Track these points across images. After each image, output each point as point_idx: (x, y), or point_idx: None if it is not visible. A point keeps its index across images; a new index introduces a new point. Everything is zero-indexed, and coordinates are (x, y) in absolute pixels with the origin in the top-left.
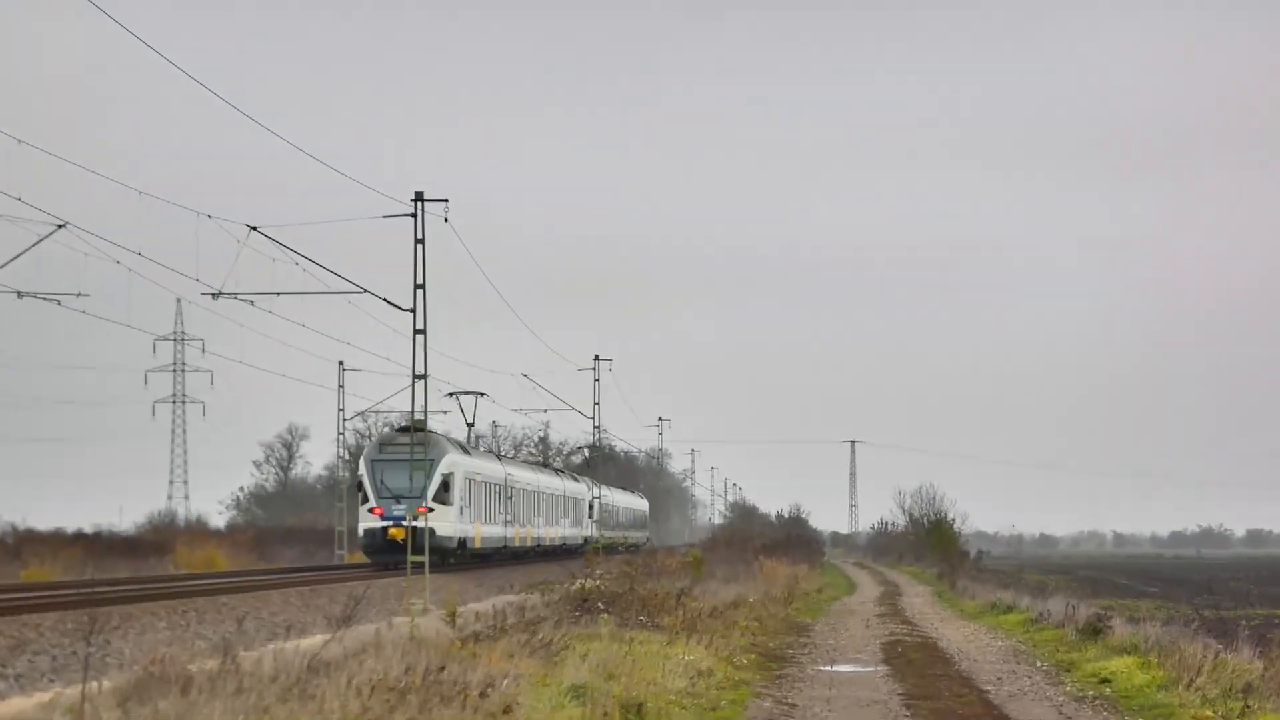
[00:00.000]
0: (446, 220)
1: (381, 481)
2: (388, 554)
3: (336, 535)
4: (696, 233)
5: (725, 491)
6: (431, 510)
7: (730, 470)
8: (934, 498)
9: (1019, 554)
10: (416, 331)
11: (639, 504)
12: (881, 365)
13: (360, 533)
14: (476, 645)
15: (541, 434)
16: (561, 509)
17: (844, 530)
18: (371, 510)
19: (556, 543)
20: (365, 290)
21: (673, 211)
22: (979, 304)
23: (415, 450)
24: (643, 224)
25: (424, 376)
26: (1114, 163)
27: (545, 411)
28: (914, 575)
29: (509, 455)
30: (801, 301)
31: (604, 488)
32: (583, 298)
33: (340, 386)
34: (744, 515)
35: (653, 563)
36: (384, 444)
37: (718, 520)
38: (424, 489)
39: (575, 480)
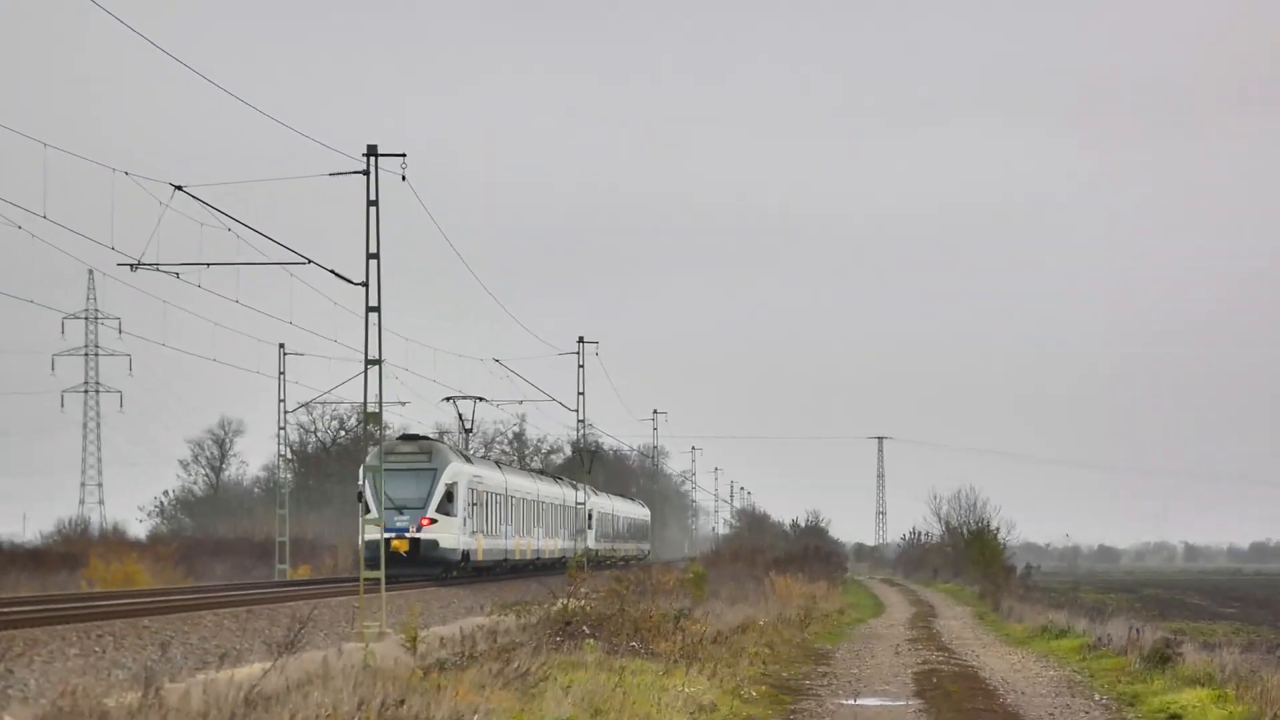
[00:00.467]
0: (404, 179)
1: (384, 492)
2: (390, 567)
3: (277, 547)
4: (697, 198)
5: (731, 497)
6: (435, 521)
7: (737, 472)
8: (975, 503)
9: (1074, 569)
10: (370, 309)
11: (640, 513)
12: (913, 350)
13: (360, 543)
14: (441, 675)
15: (516, 429)
16: (561, 519)
17: (870, 542)
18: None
19: (556, 555)
20: (310, 261)
21: (670, 173)
22: (1025, 280)
23: (416, 459)
24: (635, 187)
25: (379, 361)
26: (1178, 118)
27: (520, 403)
28: (951, 594)
29: (479, 454)
30: (819, 277)
31: (604, 495)
32: (564, 271)
33: (281, 373)
34: (753, 524)
35: (647, 579)
36: (385, 453)
37: (722, 530)
38: (427, 499)
39: (574, 488)
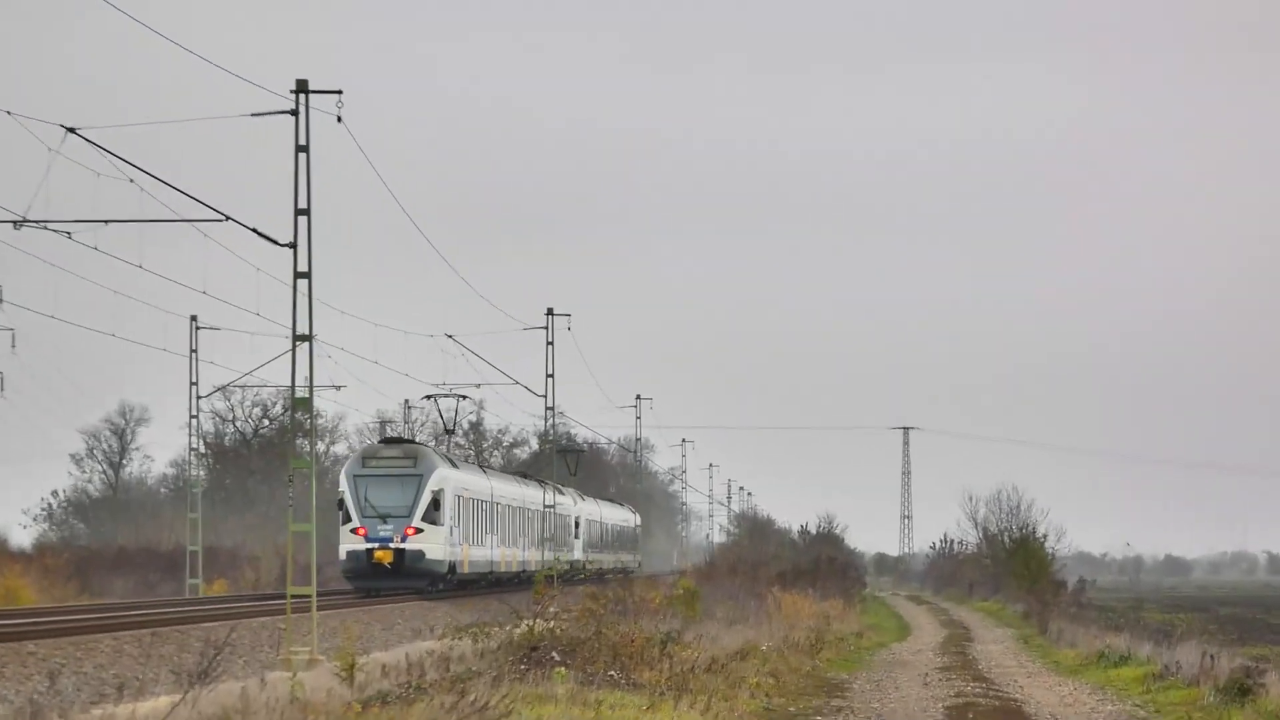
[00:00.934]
0: (340, 120)
1: (365, 499)
2: (373, 579)
3: (189, 558)
4: (688, 148)
5: (728, 498)
6: (421, 531)
7: (735, 470)
8: (1018, 506)
9: (1136, 584)
10: (298, 275)
11: (629, 519)
12: (943, 326)
13: (342, 555)
14: (383, 710)
15: (473, 417)
16: (547, 528)
17: (893, 552)
18: (355, 531)
19: (532, 568)
20: (228, 218)
21: (655, 120)
22: (1074, 241)
23: (400, 464)
24: (614, 135)
25: (309, 338)
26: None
27: (478, 387)
28: (990, 613)
29: (426, 444)
30: (831, 242)
31: (591, 501)
32: (530, 232)
33: (193, 351)
34: (754, 531)
35: (628, 597)
36: (367, 457)
37: (718, 538)
38: (412, 508)
39: (560, 493)
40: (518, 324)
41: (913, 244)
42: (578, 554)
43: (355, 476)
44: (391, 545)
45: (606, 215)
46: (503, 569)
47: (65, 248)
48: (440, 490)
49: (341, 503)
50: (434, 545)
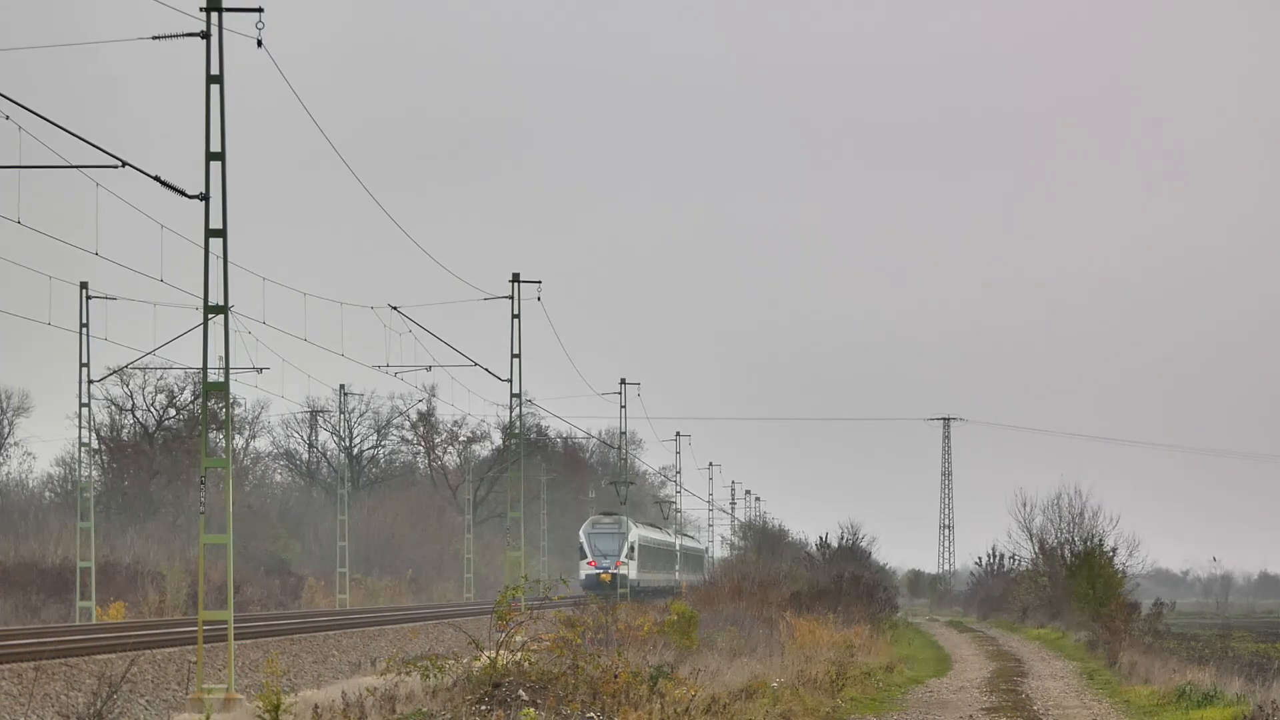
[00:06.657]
0: (260, 44)
1: (595, 546)
2: (599, 589)
3: (79, 575)
4: (677, 78)
5: (732, 505)
6: (624, 564)
7: (740, 471)
8: (1082, 513)
9: (1224, 607)
10: (211, 233)
11: (700, 546)
12: (992, 297)
13: (581, 577)
14: None
15: (422, 406)
16: (669, 559)
17: (930, 569)
18: (589, 563)
19: (662, 584)
20: (124, 163)
21: (636, 45)
22: (1150, 191)
23: (612, 526)
24: (588, 64)
25: (223, 309)
26: None
27: (429, 369)
28: (1048, 642)
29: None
30: (854, 189)
31: (680, 535)
32: (491, 183)
33: (83, 325)
34: (764, 544)
35: (611, 623)
36: (594, 522)
37: (719, 552)
38: (619, 550)
39: (668, 533)
40: (477, 293)
41: (953, 202)
42: (677, 575)
43: (589, 534)
44: (610, 571)
45: (583, 165)
46: (652, 585)
47: None
48: (634, 542)
49: (581, 548)
50: (630, 573)
